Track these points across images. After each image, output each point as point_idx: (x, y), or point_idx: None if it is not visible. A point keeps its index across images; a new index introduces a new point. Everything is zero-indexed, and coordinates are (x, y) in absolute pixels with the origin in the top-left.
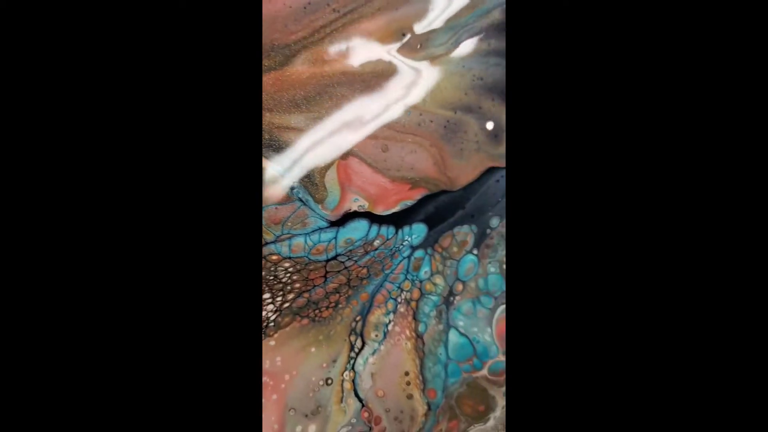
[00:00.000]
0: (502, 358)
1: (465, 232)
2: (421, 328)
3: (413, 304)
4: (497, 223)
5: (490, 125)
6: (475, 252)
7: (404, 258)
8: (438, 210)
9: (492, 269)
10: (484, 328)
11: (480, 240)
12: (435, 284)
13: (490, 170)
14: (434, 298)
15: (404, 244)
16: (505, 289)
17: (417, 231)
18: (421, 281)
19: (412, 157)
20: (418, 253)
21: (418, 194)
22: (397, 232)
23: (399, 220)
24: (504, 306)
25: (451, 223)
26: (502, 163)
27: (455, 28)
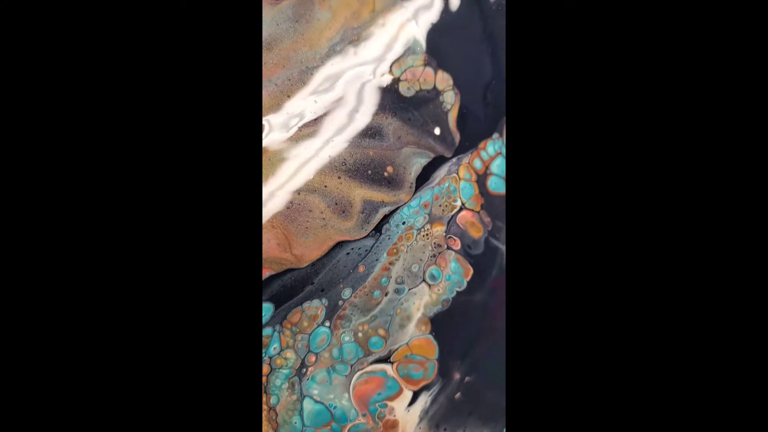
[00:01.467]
0: (363, 420)
1: (316, 306)
2: (273, 400)
3: (263, 378)
4: (349, 294)
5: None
6: (327, 324)
7: None
8: (285, 288)
9: (346, 338)
10: (341, 394)
11: (332, 312)
12: (286, 359)
13: (339, 244)
14: (285, 371)
15: None
16: (361, 355)
17: (263, 311)
18: (270, 357)
19: None
20: (266, 332)
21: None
22: None
23: None
24: (360, 372)
25: (300, 299)
26: (352, 236)
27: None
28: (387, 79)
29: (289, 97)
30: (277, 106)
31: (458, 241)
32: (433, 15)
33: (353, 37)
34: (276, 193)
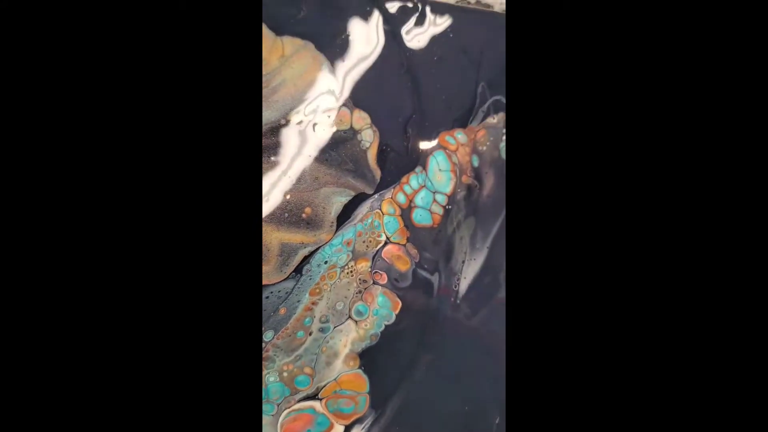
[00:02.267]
0: None
1: None
2: None
3: None
4: (272, 336)
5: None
6: None
7: None
8: None
9: (271, 379)
10: None
11: None
12: None
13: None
14: None
15: None
16: (287, 394)
17: None
18: None
19: None
20: None
21: None
22: None
23: None
24: (288, 410)
25: None
26: (271, 280)
27: None
28: (301, 123)
29: None
30: None
31: (384, 275)
32: (348, 55)
33: (263, 84)
34: None
